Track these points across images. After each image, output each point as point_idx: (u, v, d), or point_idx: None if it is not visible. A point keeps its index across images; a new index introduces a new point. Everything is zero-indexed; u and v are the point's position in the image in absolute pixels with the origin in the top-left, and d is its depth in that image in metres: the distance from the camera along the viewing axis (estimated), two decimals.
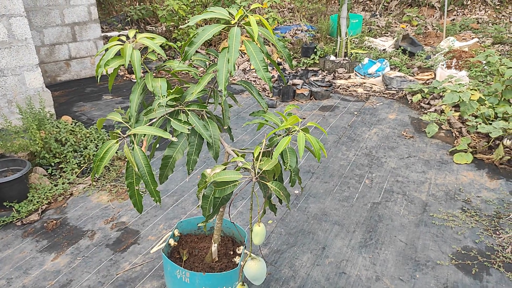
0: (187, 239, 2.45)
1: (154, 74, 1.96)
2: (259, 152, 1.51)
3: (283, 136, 1.83)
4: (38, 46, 5.81)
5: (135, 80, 1.90)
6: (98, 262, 2.64)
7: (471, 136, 4.23)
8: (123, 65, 1.83)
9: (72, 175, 3.58)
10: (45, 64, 5.99)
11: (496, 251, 2.66)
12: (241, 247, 2.26)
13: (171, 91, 1.76)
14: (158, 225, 3.00)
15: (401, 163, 3.84)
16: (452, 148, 4.07)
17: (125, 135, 1.62)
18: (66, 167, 3.63)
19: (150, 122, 1.73)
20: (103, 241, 2.84)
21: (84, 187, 3.50)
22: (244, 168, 1.50)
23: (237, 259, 2.20)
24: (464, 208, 3.13)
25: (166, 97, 1.73)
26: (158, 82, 1.87)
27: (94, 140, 4.01)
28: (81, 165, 3.73)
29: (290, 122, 1.77)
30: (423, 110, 5.12)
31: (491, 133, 3.63)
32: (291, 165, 1.73)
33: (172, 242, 2.30)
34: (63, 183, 3.48)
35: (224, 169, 1.56)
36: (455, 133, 4.42)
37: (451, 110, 4.71)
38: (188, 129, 1.66)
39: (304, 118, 4.88)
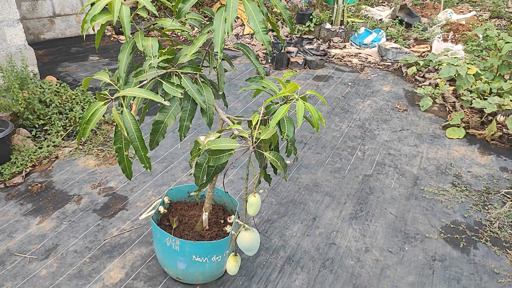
0: (177, 207, 2.40)
1: (144, 34, 1.83)
2: (257, 120, 1.43)
3: (281, 104, 1.75)
4: (19, 0, 5.49)
5: (124, 41, 1.80)
6: (85, 227, 2.59)
7: (465, 111, 4.21)
8: (110, 24, 1.69)
9: (57, 138, 3.46)
10: (27, 21, 5.68)
11: (484, 226, 2.69)
12: (232, 216, 2.22)
13: (163, 51, 1.64)
14: (147, 191, 2.95)
15: (393, 136, 3.81)
16: (445, 122, 4.04)
17: (114, 97, 1.52)
18: (51, 130, 3.50)
19: (140, 85, 1.62)
20: (90, 206, 2.78)
21: (70, 151, 3.39)
22: (240, 136, 1.43)
23: (228, 228, 2.16)
24: (454, 182, 3.14)
25: (158, 58, 1.62)
26: (149, 41, 1.75)
27: (80, 102, 3.86)
28: (67, 128, 3.60)
29: (289, 89, 1.69)
30: (417, 83, 5.06)
31: (485, 108, 3.61)
32: (288, 134, 1.66)
33: (161, 209, 2.25)
34: (48, 146, 3.37)
35: (219, 137, 1.48)
36: (448, 108, 4.39)
37: (445, 84, 4.66)
38: (181, 93, 1.56)
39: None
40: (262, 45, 5.83)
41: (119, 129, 1.54)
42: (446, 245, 2.52)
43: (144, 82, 1.62)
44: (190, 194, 2.32)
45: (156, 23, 1.87)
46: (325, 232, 2.61)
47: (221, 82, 1.81)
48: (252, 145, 1.34)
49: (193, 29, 6.38)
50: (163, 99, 1.46)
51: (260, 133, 1.38)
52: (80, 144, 3.50)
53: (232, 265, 1.54)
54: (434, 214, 2.79)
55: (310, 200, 2.90)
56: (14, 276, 2.22)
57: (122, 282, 2.21)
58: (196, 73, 1.72)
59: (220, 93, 1.81)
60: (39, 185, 2.96)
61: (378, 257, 2.42)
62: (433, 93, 4.44)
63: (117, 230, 2.57)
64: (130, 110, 1.68)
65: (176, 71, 1.67)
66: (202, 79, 1.77)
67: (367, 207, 2.84)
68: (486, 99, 3.87)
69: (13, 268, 2.27)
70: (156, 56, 1.67)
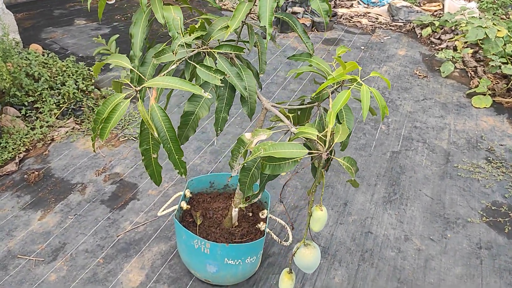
0: (198, 199, 2.14)
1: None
2: (331, 117, 1.13)
3: (335, 89, 1.44)
4: None
5: (112, 2, 1.43)
6: (94, 221, 2.32)
7: (488, 77, 3.94)
8: None
9: (51, 117, 3.10)
10: None
11: None
12: (265, 211, 1.97)
13: (196, 26, 1.30)
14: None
15: (417, 106, 3.55)
16: (469, 90, 3.78)
17: (138, 87, 1.19)
18: (43, 108, 3.13)
19: (167, 71, 1.29)
20: (96, 197, 2.49)
21: (67, 131, 3.05)
22: (305, 138, 1.13)
23: (261, 226, 1.92)
24: (488, 158, 2.93)
25: (189, 34, 1.28)
26: (171, 11, 1.40)
27: (73, 75, 3.46)
28: (60, 105, 3.23)
29: (348, 69, 1.38)
30: (433, 45, 4.74)
31: None
32: (349, 127, 1.38)
33: (184, 205, 1.98)
34: (41, 127, 3.01)
35: (275, 139, 1.19)
36: (470, 73, 4.11)
37: (466, 47, 4.35)
38: (220, 79, 1.24)
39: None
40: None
41: (145, 127, 1.23)
42: (490, 230, 2.34)
43: (172, 67, 1.29)
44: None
45: None
46: (358, 219, 2.40)
47: (262, 62, 1.48)
48: (326, 151, 1.06)
49: None
50: (203, 91, 1.15)
51: (333, 134, 1.10)
52: (77, 123, 3.15)
53: (287, 284, 1.31)
54: (473, 195, 2.59)
55: (338, 183, 2.66)
56: (20, 283, 1.97)
57: (143, 285, 1.98)
58: (231, 53, 1.38)
59: (262, 75, 1.49)
60: (36, 173, 2.65)
61: (420, 246, 2.23)
62: (454, 57, 4.14)
63: (130, 224, 2.31)
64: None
65: (210, 51, 1.34)
66: (239, 60, 1.45)
67: (400, 189, 2.62)
68: None
69: (18, 273, 2.02)
70: (182, 31, 1.33)
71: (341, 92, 1.37)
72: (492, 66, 3.79)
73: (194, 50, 1.34)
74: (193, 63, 1.29)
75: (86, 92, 3.41)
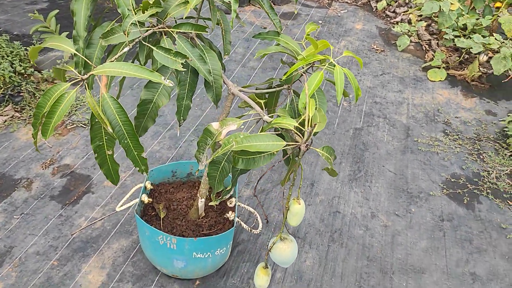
0: (160, 190, 2.00)
1: None
2: (309, 104, 1.03)
3: (305, 71, 1.35)
4: None
5: None
6: (44, 220, 2.11)
7: (442, 50, 4.03)
8: None
9: None
10: None
11: (483, 177, 2.61)
12: (233, 200, 1.88)
13: (150, 1, 1.13)
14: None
15: (376, 81, 3.56)
16: (424, 63, 3.85)
17: (84, 76, 1.02)
18: None
19: (120, 53, 1.12)
20: (45, 192, 2.27)
21: (5, 120, 2.74)
22: (280, 127, 1.03)
23: (230, 215, 1.83)
24: (446, 131, 3.01)
25: (142, 11, 1.11)
26: None
27: (7, 56, 3.09)
28: None
29: (320, 48, 1.29)
30: (389, 19, 4.76)
31: (471, 48, 3.43)
32: (323, 111, 1.29)
33: (145, 198, 1.84)
34: None
35: (256, 133, 1.07)
36: (425, 47, 4.18)
37: (420, 21, 4.41)
38: (182, 63, 1.09)
39: (265, 27, 4.26)
40: None
41: (97, 120, 1.07)
42: (451, 202, 2.41)
43: (125, 50, 1.12)
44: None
45: None
46: (326, 199, 2.37)
47: (227, 43, 1.34)
48: (305, 142, 0.96)
49: None
50: (163, 78, 1.00)
51: (311, 123, 1.00)
52: (17, 111, 2.84)
53: (263, 280, 1.23)
54: (433, 168, 2.65)
55: (303, 162, 2.62)
56: None
57: (105, 286, 1.84)
58: (192, 32, 1.23)
59: (226, 57, 1.35)
60: None
61: (386, 223, 2.26)
62: (409, 31, 4.18)
63: (86, 220, 2.13)
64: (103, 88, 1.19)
65: (168, 30, 1.18)
66: (200, 40, 1.30)
67: (364, 166, 2.63)
68: (470, 37, 3.68)
69: None
70: (133, 7, 1.15)
71: (313, 73, 1.28)
72: (446, 39, 3.87)
73: (149, 30, 1.18)
74: (149, 45, 1.13)
75: (25, 75, 3.07)
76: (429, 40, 4.26)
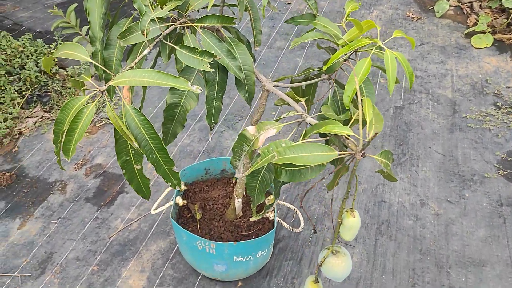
0: (194, 189, 1.91)
1: None
2: (365, 104, 0.88)
3: (348, 57, 1.18)
4: None
5: None
6: (81, 224, 2.09)
7: (486, 12, 3.66)
8: None
9: (14, 107, 2.76)
10: None
11: None
12: (271, 197, 1.76)
13: None
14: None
15: (414, 53, 3.29)
16: (467, 29, 3.51)
17: (103, 87, 0.91)
18: (4, 97, 2.76)
19: (140, 57, 1.00)
20: (80, 194, 2.24)
21: (35, 122, 2.72)
22: (328, 133, 0.88)
23: (270, 215, 1.72)
24: (497, 103, 2.74)
25: (160, 6, 0.97)
26: None
27: (32, 55, 3.06)
28: (23, 93, 2.87)
29: (366, 29, 1.12)
30: None
31: None
32: (372, 102, 1.13)
33: (180, 201, 1.75)
34: (5, 120, 2.67)
35: (302, 140, 0.94)
36: (466, 10, 3.81)
37: None
38: (209, 63, 0.96)
39: (290, 3, 4.03)
40: None
41: (121, 135, 0.96)
42: (509, 184, 2.20)
43: (145, 52, 1.00)
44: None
45: None
46: (369, 187, 2.22)
47: (257, 32, 1.19)
48: (361, 151, 0.82)
49: None
50: (190, 83, 0.87)
51: (369, 125, 0.85)
52: (46, 111, 2.82)
53: None
54: (486, 147, 2.42)
55: None
56: None
57: None
58: (218, 25, 1.09)
59: (257, 48, 1.20)
60: (8, 174, 2.36)
61: (438, 211, 2.08)
62: None
63: (122, 222, 2.09)
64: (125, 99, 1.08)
65: (192, 25, 1.04)
66: (227, 31, 1.15)
67: (408, 148, 2.43)
68: None
69: None
70: (151, 2, 1.02)
71: (359, 61, 1.11)
72: (492, 0, 3.50)
73: (169, 25, 1.05)
74: (170, 44, 1.00)
75: (50, 74, 3.03)
76: (470, 2, 3.89)
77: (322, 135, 0.98)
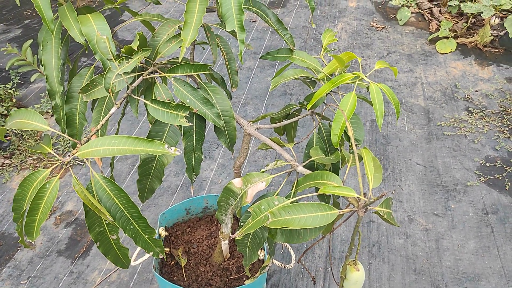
0: (176, 232, 1.79)
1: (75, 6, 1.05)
2: (364, 156, 0.81)
3: (329, 90, 1.12)
4: None
5: None
6: (54, 281, 1.92)
7: (446, 17, 3.76)
8: None
9: None
10: None
11: None
12: (262, 253, 1.66)
13: (133, 45, 0.89)
14: None
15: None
16: (430, 35, 3.58)
17: (68, 158, 0.80)
18: None
19: (106, 117, 0.89)
20: (51, 247, 2.07)
21: None
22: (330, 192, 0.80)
23: (260, 254, 1.62)
24: (469, 108, 2.77)
25: (126, 60, 0.88)
26: (91, 23, 0.98)
27: None
28: None
29: (346, 60, 1.07)
30: None
31: (482, 13, 3.16)
32: (359, 139, 1.08)
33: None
34: None
35: (294, 200, 0.86)
36: (426, 16, 3.91)
37: None
38: (186, 117, 0.87)
39: (254, 21, 3.99)
40: None
41: (90, 208, 0.85)
42: (491, 191, 2.20)
43: (112, 111, 0.89)
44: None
45: None
46: None
47: (233, 73, 1.11)
48: (364, 207, 0.75)
49: None
50: (168, 146, 0.77)
51: (370, 174, 0.78)
52: (6, 157, 2.62)
53: None
54: (464, 154, 2.43)
55: None
56: None
57: None
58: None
59: (234, 90, 1.12)
60: None
61: (426, 225, 2.05)
62: (408, 1, 3.90)
63: (100, 274, 1.93)
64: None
65: (162, 75, 0.95)
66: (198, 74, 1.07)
67: (390, 162, 2.41)
68: (475, 0, 3.41)
69: None
70: (112, 53, 0.92)
71: (345, 96, 1.06)
72: (451, 6, 3.60)
73: (137, 76, 0.95)
74: (141, 99, 0.91)
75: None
76: (430, 8, 3.99)
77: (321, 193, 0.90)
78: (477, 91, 2.93)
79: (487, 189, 2.21)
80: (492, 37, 3.40)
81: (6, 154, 2.62)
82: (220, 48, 1.10)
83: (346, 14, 4.04)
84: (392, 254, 1.93)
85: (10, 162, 2.58)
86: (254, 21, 4.00)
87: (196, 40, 1.14)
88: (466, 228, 2.03)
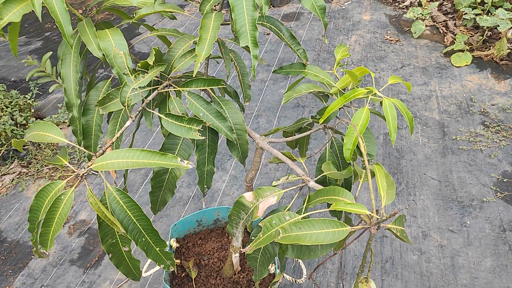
0: (187, 244, 1.80)
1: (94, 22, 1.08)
2: (377, 173, 0.81)
3: (341, 105, 1.12)
4: None
5: None
6: None
7: (461, 31, 3.73)
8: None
9: None
10: None
11: None
12: (273, 267, 1.65)
13: (149, 60, 0.92)
14: None
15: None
16: (445, 48, 3.56)
17: (83, 170, 0.81)
18: None
19: (122, 130, 0.91)
20: (64, 256, 2.09)
21: (12, 179, 2.57)
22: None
23: (270, 268, 1.61)
24: (485, 122, 2.73)
25: (142, 74, 0.90)
26: (109, 37, 1.00)
27: (6, 108, 2.93)
28: None
29: (359, 75, 1.07)
30: (397, 4, 4.47)
31: (498, 26, 3.13)
32: (372, 154, 1.07)
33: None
34: None
35: (306, 216, 0.85)
36: (441, 29, 3.88)
37: (431, 1, 4.11)
38: (199, 131, 0.88)
39: (268, 34, 4.03)
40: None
41: (103, 220, 0.86)
42: (508, 207, 2.15)
43: (127, 124, 0.91)
44: None
45: None
46: None
47: (246, 87, 1.12)
48: (376, 224, 0.74)
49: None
50: (180, 159, 0.78)
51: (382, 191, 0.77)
52: (23, 166, 2.68)
53: None
54: (480, 169, 2.39)
55: None
56: None
57: None
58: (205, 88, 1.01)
59: (247, 103, 1.13)
60: None
61: (441, 242, 2.01)
62: (422, 15, 3.89)
63: (112, 284, 1.94)
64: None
65: (177, 90, 0.96)
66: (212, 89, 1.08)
67: (403, 177, 2.38)
68: (490, 12, 3.38)
69: None
70: (129, 68, 0.94)
71: (358, 110, 1.05)
72: (466, 19, 3.57)
73: (152, 90, 0.97)
74: (155, 113, 0.92)
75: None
76: (445, 21, 3.97)
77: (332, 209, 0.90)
78: (494, 105, 2.89)
79: (504, 205, 2.16)
80: (509, 50, 3.35)
81: (24, 163, 2.68)
82: (234, 63, 1.11)
83: (360, 27, 4.05)
84: (405, 270, 1.90)
85: (27, 171, 2.64)
86: (268, 34, 4.03)
87: (210, 54, 1.16)
88: (482, 245, 1.98)
